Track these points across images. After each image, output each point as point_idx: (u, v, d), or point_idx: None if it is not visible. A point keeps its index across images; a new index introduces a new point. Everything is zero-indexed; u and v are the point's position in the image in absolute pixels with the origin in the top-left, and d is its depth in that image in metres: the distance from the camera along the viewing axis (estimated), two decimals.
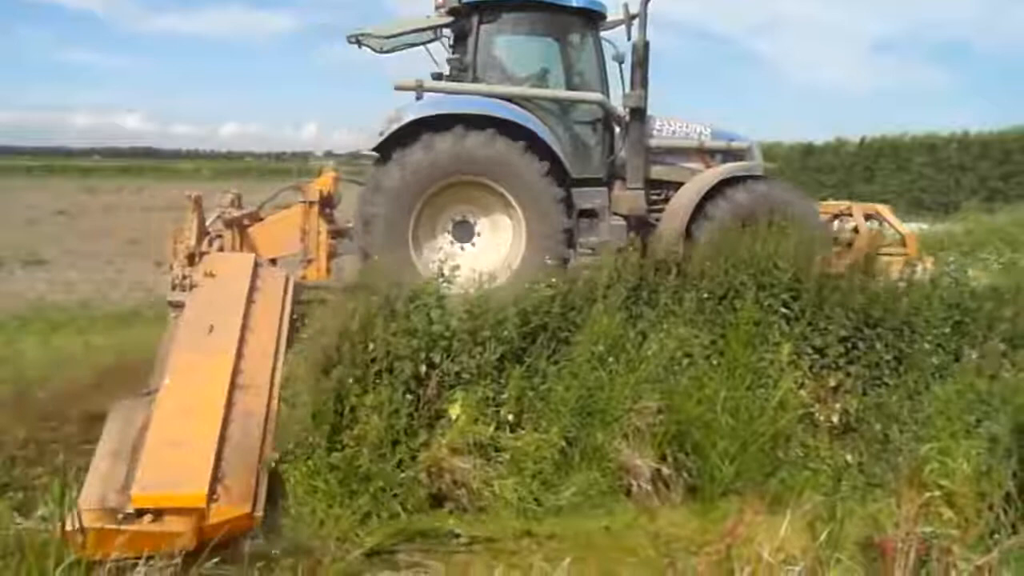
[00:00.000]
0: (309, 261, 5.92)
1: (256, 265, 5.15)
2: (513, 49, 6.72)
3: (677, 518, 4.25)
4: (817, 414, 4.72)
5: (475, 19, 6.30)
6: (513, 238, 6.05)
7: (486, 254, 5.98)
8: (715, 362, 4.84)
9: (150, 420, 3.76)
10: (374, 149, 5.93)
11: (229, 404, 3.91)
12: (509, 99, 6.19)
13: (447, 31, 6.84)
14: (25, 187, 26.29)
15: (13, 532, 3.11)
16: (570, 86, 6.61)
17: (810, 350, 4.90)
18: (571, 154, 6.35)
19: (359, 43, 6.76)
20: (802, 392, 4.76)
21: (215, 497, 3.46)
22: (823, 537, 3.20)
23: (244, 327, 4.44)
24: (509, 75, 6.59)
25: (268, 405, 4.07)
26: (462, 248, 5.99)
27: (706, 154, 6.93)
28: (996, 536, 3.32)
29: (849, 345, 4.88)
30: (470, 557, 3.71)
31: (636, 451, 4.42)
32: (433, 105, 6.01)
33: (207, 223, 5.91)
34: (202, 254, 5.19)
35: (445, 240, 6.07)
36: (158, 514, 3.39)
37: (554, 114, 6.46)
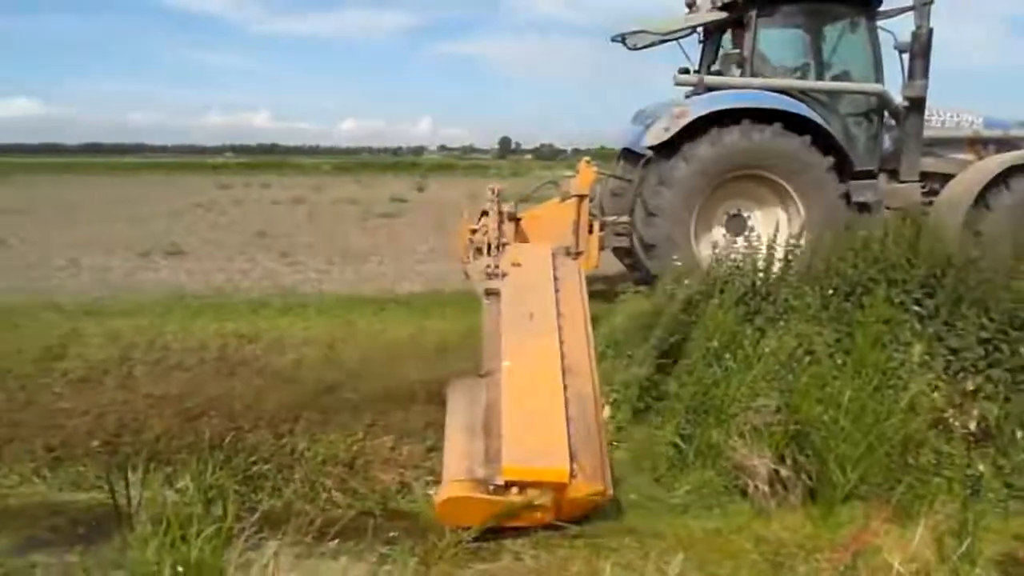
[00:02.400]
0: (579, 253, 5.97)
1: (553, 255, 5.37)
2: (789, 41, 6.88)
3: (792, 522, 4.10)
4: (952, 419, 4.44)
5: (752, 12, 6.40)
6: (788, 232, 5.97)
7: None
8: (839, 361, 4.64)
9: (499, 399, 3.98)
10: (661, 144, 6.12)
11: (565, 386, 4.08)
12: (785, 92, 6.28)
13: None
14: (164, 182, 28.26)
15: (161, 501, 3.36)
16: (844, 77, 6.67)
17: (945, 351, 4.62)
18: (849, 147, 6.40)
19: (623, 41, 7.02)
20: (935, 395, 4.49)
21: (574, 474, 3.61)
22: (960, 551, 3.02)
23: (558, 314, 4.65)
24: (783, 67, 6.73)
25: (594, 388, 4.23)
26: (735, 241, 6.04)
27: (979, 144, 6.84)
28: None
29: (990, 347, 4.57)
30: (571, 552, 3.72)
31: (753, 450, 4.31)
32: (718, 100, 6.15)
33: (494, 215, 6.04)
34: (502, 244, 5.43)
35: (719, 233, 6.29)
36: (523, 487, 3.59)
37: (831, 106, 6.53)
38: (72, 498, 4.47)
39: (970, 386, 4.54)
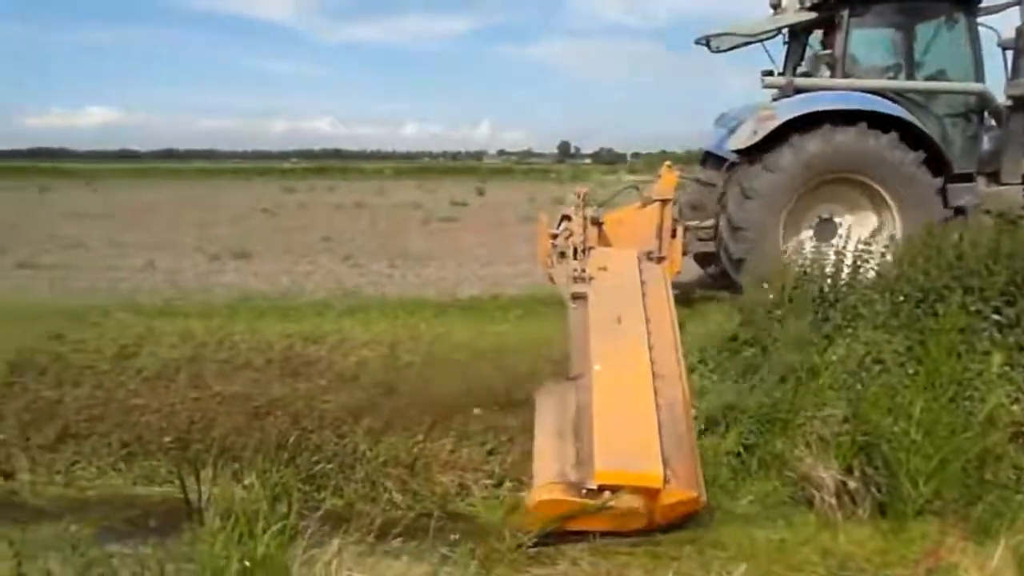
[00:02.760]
0: (661, 258, 5.99)
1: (639, 259, 5.45)
2: (882, 40, 6.74)
3: (860, 536, 3.98)
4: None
5: (844, 12, 6.25)
6: (881, 237, 5.85)
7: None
8: (911, 370, 4.49)
9: (589, 402, 3.99)
10: (748, 148, 6.05)
11: (655, 392, 4.09)
12: (878, 93, 6.14)
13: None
14: (233, 187, 29.10)
15: (229, 498, 3.46)
16: (941, 76, 6.48)
17: None
18: (946, 149, 6.22)
19: (707, 43, 6.98)
20: (1015, 408, 4.30)
21: (667, 479, 3.60)
22: None
23: (646, 318, 4.69)
24: (876, 68, 6.58)
25: (683, 394, 4.23)
26: (824, 247, 5.74)
27: None
28: None
29: None
30: (630, 559, 3.67)
31: (819, 461, 4.20)
32: (808, 102, 6.04)
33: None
34: (587, 248, 5.45)
35: (808, 239, 6.09)
36: (616, 491, 3.59)
37: (927, 107, 6.34)
38: (145, 492, 4.65)
39: None
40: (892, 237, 5.72)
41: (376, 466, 4.54)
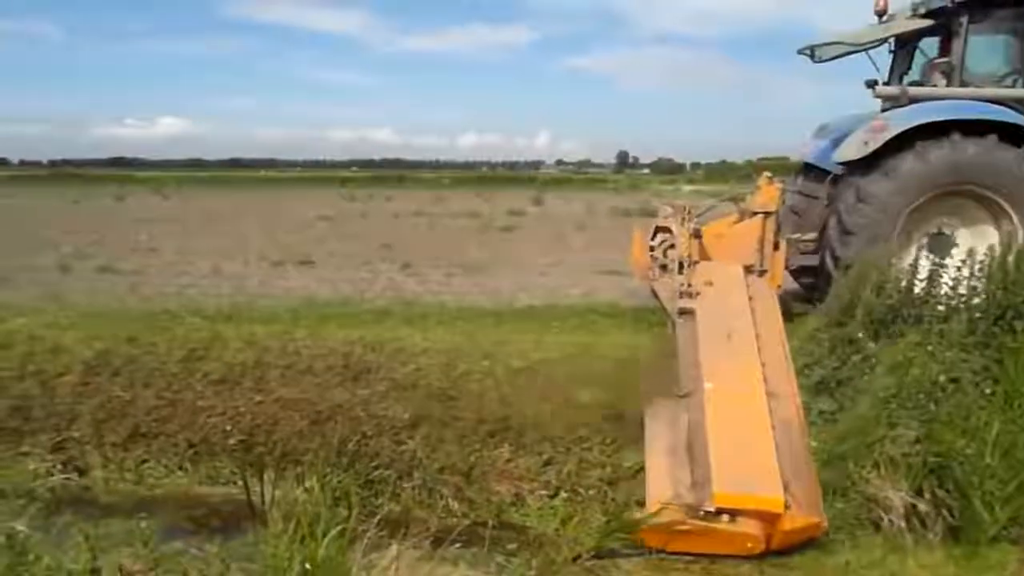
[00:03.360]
0: (763, 272, 5.92)
1: (745, 274, 5.45)
2: (1001, 48, 6.51)
3: (930, 561, 3.85)
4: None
5: (962, 19, 6.13)
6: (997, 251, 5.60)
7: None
8: (986, 390, 4.32)
9: (702, 421, 3.96)
10: (858, 160, 5.95)
11: (769, 411, 4.03)
12: (997, 102, 5.98)
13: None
14: (294, 196, 29.75)
15: (291, 500, 3.53)
16: None
17: None
18: None
19: (811, 53, 6.89)
20: None
21: (787, 504, 3.54)
22: None
23: (756, 335, 4.63)
24: (994, 76, 6.40)
25: (798, 414, 4.16)
26: (939, 262, 5.46)
27: None
28: None
29: None
30: (685, 575, 3.61)
31: (888, 482, 4.06)
32: (924, 112, 5.91)
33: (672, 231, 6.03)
34: (694, 262, 5.45)
35: (920, 254, 5.88)
36: (733, 515, 3.56)
37: None
38: (210, 491, 4.79)
39: None
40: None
41: (432, 473, 4.58)
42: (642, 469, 4.28)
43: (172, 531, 4.04)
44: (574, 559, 3.55)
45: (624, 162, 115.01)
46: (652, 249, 5.94)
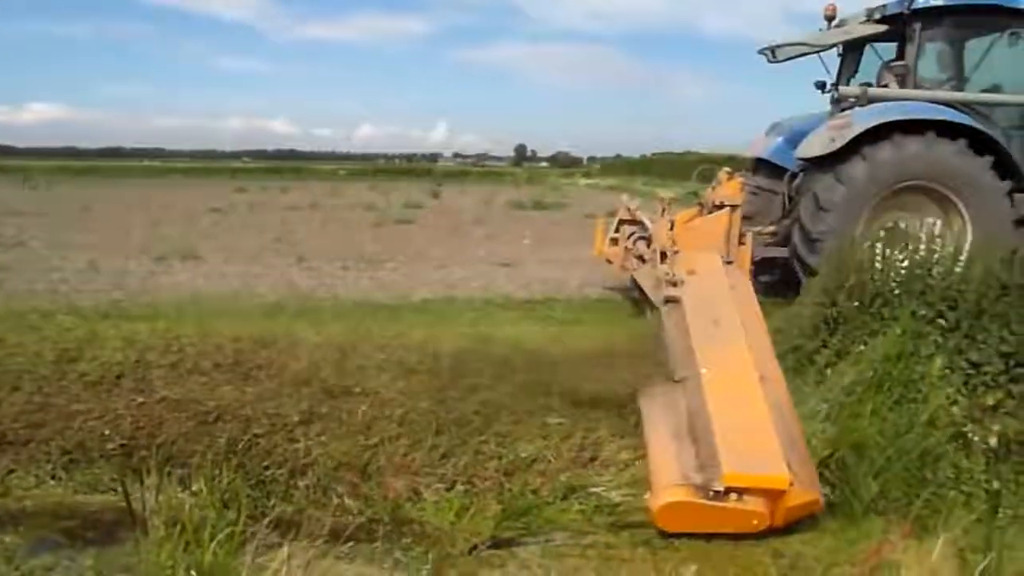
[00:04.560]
0: (729, 263, 6.05)
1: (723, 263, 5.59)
2: (950, 53, 6.93)
3: (811, 536, 4.05)
4: (971, 434, 4.39)
5: (916, 25, 6.47)
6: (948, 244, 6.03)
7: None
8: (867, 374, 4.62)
9: (702, 406, 4.04)
10: (827, 156, 6.17)
11: (764, 394, 4.14)
12: (948, 104, 6.36)
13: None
14: (182, 186, 28.48)
15: (176, 505, 3.37)
16: (1001, 88, 6.75)
17: (965, 364, 4.57)
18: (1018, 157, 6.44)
19: (772, 53, 7.21)
20: (954, 409, 4.44)
21: (791, 481, 3.62)
22: (979, 568, 2.97)
23: (742, 321, 4.74)
24: (943, 79, 6.82)
25: (786, 396, 4.28)
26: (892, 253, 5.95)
27: None
28: None
29: (1011, 362, 4.51)
30: (582, 562, 3.69)
31: None
32: (884, 112, 6.21)
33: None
34: (675, 252, 5.53)
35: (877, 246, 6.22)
36: (741, 494, 3.61)
37: (992, 118, 6.57)
38: (87, 500, 4.50)
39: (990, 401, 4.48)
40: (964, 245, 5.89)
41: (327, 470, 4.48)
42: (536, 460, 4.35)
43: (44, 544, 3.78)
44: (470, 551, 3.55)
45: (522, 155, 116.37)
46: (615, 242, 6.21)
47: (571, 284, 8.04)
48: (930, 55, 6.77)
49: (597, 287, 7.86)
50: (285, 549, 3.08)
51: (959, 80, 6.85)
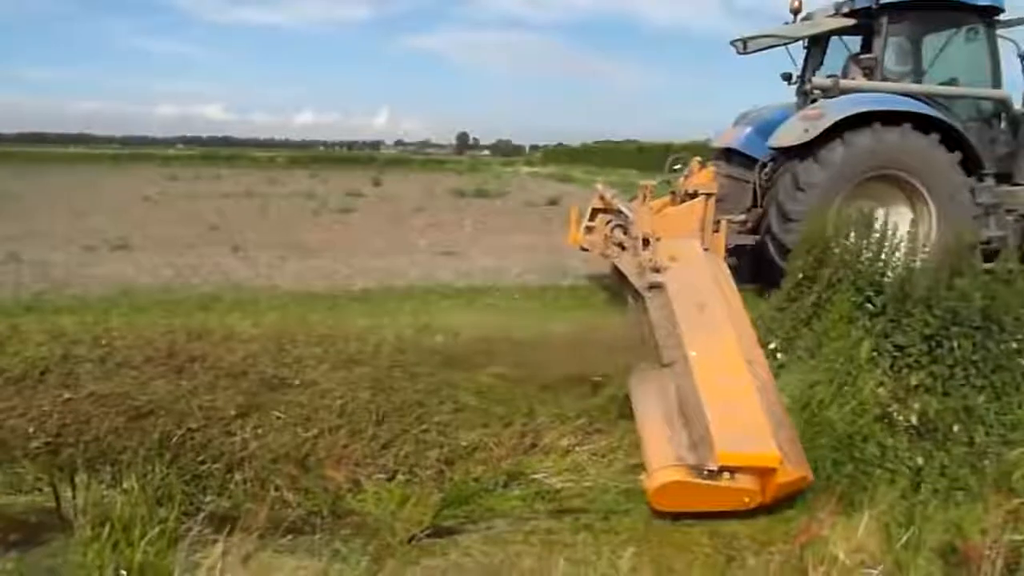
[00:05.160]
0: (705, 250, 6.03)
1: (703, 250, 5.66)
2: (917, 47, 7.16)
3: (747, 515, 4.17)
4: (896, 414, 4.57)
5: (883, 20, 6.66)
6: (914, 231, 6.16)
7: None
8: (798, 354, 4.78)
9: (692, 388, 4.09)
10: (801, 145, 6.34)
11: (750, 375, 4.20)
12: (912, 95, 6.57)
13: None
14: (111, 174, 27.48)
15: (105, 504, 3.27)
16: (961, 81, 6.98)
17: (891, 347, 4.75)
18: (979, 151, 6.70)
19: (744, 44, 7.35)
20: (880, 390, 4.61)
21: (780, 460, 3.68)
22: (902, 541, 3.10)
23: (725, 306, 4.81)
24: (906, 72, 7.03)
25: (770, 377, 4.38)
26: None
27: None
28: None
29: (933, 343, 4.70)
30: (524, 548, 3.72)
31: None
32: (857, 103, 6.38)
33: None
34: (656, 239, 5.55)
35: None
36: (734, 472, 3.67)
37: (953, 110, 6.81)
38: (11, 502, 4.32)
39: (913, 381, 4.66)
40: (930, 232, 6.35)
41: (265, 463, 4.40)
42: (478, 447, 4.36)
43: None
44: (409, 540, 3.54)
45: (464, 143, 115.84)
46: (589, 230, 6.37)
47: (512, 272, 8.06)
48: (895, 49, 7.00)
49: (538, 274, 7.90)
50: (220, 545, 3.01)
51: (919, 73, 7.12)
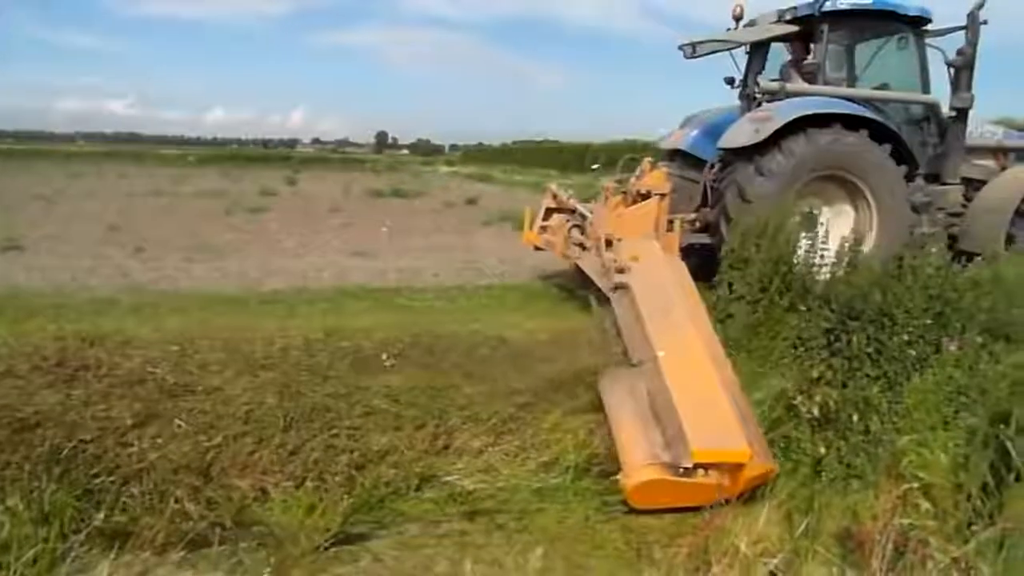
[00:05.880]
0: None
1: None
2: (851, 53, 7.56)
3: (658, 509, 4.23)
4: (800, 405, 4.73)
5: (824, 27, 6.92)
6: (855, 228, 6.66)
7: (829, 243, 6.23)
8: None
9: (662, 387, 4.17)
10: (751, 146, 6.50)
11: (716, 373, 4.28)
12: (851, 99, 6.86)
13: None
14: (5, 172, 25.87)
15: None
16: (898, 88, 7.33)
17: (797, 342, 4.94)
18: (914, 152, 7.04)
19: (693, 48, 7.45)
20: (787, 384, 4.77)
21: (750, 455, 3.78)
22: (801, 528, 3.19)
23: (687, 305, 4.89)
24: (847, 77, 7.41)
25: (733, 374, 4.47)
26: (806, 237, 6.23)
27: (1000, 153, 7.70)
28: (973, 527, 3.32)
29: (832, 337, 4.89)
30: (437, 551, 3.67)
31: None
32: (801, 106, 6.61)
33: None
34: (618, 239, 5.69)
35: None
36: (707, 469, 3.75)
37: (888, 114, 7.11)
38: None
39: (815, 373, 4.85)
40: (871, 228, 6.67)
41: (165, 474, 4.19)
42: (389, 451, 4.28)
43: None
44: (317, 548, 3.44)
45: (384, 143, 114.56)
46: (544, 230, 6.54)
47: (427, 272, 7.97)
48: (832, 55, 7.32)
49: (454, 275, 7.85)
50: (105, 564, 2.84)
51: (853, 79, 7.50)
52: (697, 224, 7.26)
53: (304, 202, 17.17)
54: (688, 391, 4.16)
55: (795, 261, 5.47)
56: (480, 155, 59.71)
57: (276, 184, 21.56)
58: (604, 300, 5.48)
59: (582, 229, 6.44)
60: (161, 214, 13.67)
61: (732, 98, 7.99)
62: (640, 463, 3.94)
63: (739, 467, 3.84)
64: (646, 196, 6.56)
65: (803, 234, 6.50)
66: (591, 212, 6.52)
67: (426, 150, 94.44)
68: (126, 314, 5.66)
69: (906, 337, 4.81)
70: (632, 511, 3.96)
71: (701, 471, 3.82)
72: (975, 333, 4.80)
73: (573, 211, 6.56)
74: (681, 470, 3.83)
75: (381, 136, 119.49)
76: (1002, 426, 3.77)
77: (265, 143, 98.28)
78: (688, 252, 7.11)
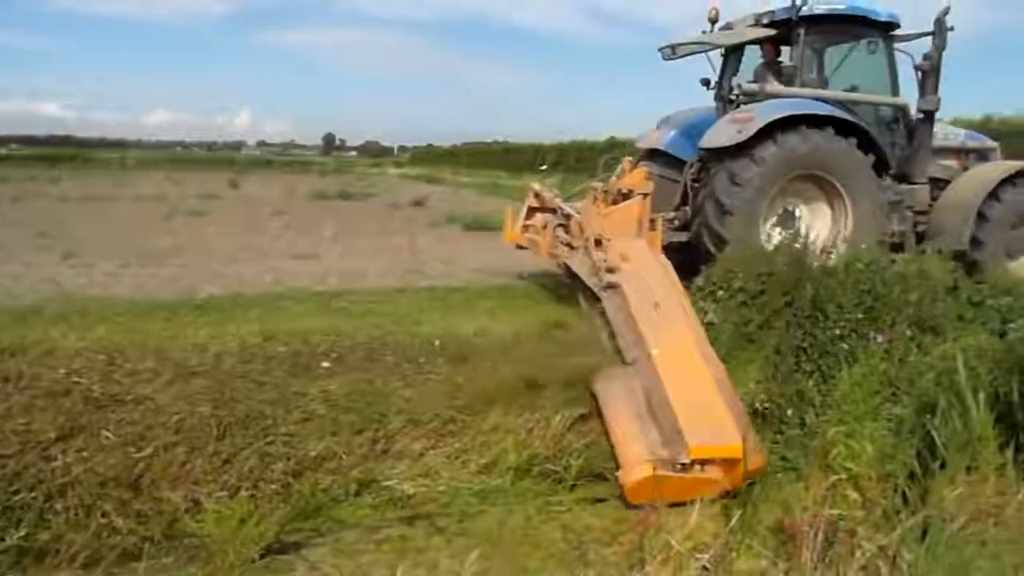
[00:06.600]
0: None
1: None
2: (829, 56, 7.74)
3: (598, 510, 4.24)
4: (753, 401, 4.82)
5: (801, 30, 7.06)
6: (831, 225, 6.95)
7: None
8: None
9: (657, 385, 4.23)
10: (732, 147, 6.61)
11: (708, 370, 4.33)
12: (825, 101, 7.02)
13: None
14: None
15: None
16: (868, 90, 7.54)
17: (744, 340, 5.02)
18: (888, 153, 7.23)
19: (672, 50, 7.60)
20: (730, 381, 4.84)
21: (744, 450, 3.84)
22: (734, 523, 3.23)
23: (677, 303, 4.94)
24: (825, 80, 7.57)
25: (723, 371, 4.51)
26: (784, 234, 6.46)
27: (962, 154, 7.94)
28: (899, 515, 3.41)
29: (766, 331, 4.98)
30: (376, 556, 3.62)
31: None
32: (783, 107, 6.72)
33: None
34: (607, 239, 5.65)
35: (773, 229, 6.89)
36: (704, 464, 3.81)
37: (861, 115, 7.26)
38: None
39: (754, 370, 4.93)
40: (847, 226, 6.90)
41: (91, 488, 4.04)
42: (327, 457, 4.21)
43: None
44: (250, 560, 3.35)
45: (331, 145, 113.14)
46: (527, 229, 6.56)
47: (371, 274, 7.88)
48: (809, 58, 7.48)
49: (396, 277, 7.77)
50: None
51: (823, 82, 7.64)
52: (676, 223, 7.35)
53: (246, 205, 16.85)
54: (683, 388, 4.24)
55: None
56: (430, 156, 59.48)
57: (218, 187, 21.14)
58: (593, 299, 5.51)
59: (567, 228, 6.45)
60: (95, 219, 13.24)
61: (687, 101, 8.16)
62: (637, 460, 4.00)
63: (734, 462, 3.93)
64: (627, 195, 6.61)
65: (779, 231, 6.71)
66: (577, 212, 6.52)
67: (375, 152, 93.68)
68: (51, 323, 5.43)
69: (838, 331, 4.92)
70: (570, 510, 3.98)
71: (698, 467, 3.90)
72: (904, 326, 4.94)
73: (555, 211, 6.52)
74: (678, 466, 3.91)
75: (329, 138, 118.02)
76: (928, 416, 3.89)
77: (209, 146, 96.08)
78: (667, 250, 7.22)
